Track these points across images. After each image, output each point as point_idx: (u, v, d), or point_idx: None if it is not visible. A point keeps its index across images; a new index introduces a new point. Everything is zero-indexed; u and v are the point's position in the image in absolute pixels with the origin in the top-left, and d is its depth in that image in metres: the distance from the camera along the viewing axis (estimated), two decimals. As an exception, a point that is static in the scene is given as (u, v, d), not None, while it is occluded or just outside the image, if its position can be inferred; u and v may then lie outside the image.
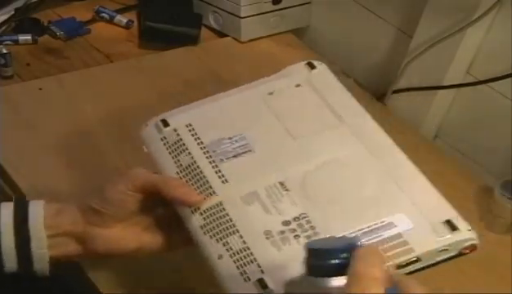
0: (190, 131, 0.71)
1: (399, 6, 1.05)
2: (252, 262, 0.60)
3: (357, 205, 0.63)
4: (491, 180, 0.94)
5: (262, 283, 0.58)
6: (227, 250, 0.61)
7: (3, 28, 1.08)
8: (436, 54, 0.96)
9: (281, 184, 0.65)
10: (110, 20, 1.16)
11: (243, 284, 0.59)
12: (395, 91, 1.04)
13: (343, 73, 1.10)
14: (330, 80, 0.75)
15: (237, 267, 0.60)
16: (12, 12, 1.09)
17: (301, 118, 0.71)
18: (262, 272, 0.59)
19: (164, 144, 0.71)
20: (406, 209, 0.62)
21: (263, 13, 1.13)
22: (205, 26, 1.16)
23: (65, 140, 0.88)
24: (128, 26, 1.16)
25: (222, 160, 0.68)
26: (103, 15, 1.16)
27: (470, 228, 0.61)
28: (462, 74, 0.98)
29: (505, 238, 0.87)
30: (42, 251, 0.64)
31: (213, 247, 0.62)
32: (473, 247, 0.62)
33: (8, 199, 0.81)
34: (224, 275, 0.61)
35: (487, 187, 0.92)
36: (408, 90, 1.02)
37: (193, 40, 1.12)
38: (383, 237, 0.60)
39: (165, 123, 0.72)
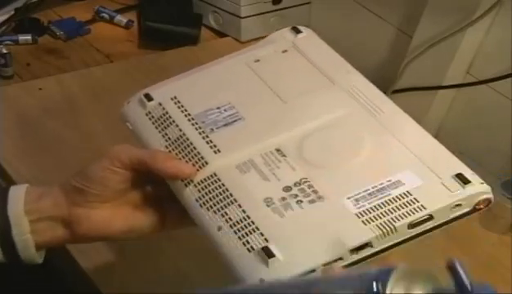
0: (175, 103, 0.67)
1: (399, 6, 1.05)
2: (254, 231, 0.56)
3: (359, 165, 0.59)
4: (491, 180, 0.94)
5: (267, 252, 0.54)
6: (226, 221, 0.58)
7: (3, 28, 1.08)
8: (436, 54, 0.96)
9: (278, 150, 0.62)
10: (110, 20, 1.16)
11: (247, 255, 0.55)
12: (395, 91, 1.04)
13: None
14: (316, 43, 0.72)
15: (239, 238, 0.56)
16: (12, 12, 1.09)
17: (291, 83, 0.68)
18: (266, 240, 0.55)
19: (150, 119, 0.67)
20: (412, 165, 0.59)
21: (263, 13, 1.14)
22: (205, 26, 1.16)
23: (65, 140, 0.88)
24: (127, 26, 1.16)
25: (212, 130, 0.64)
26: (103, 15, 1.16)
27: (483, 181, 0.58)
28: (462, 74, 0.98)
29: (505, 238, 0.87)
30: (24, 237, 0.60)
31: (211, 220, 0.59)
32: (487, 202, 0.58)
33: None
34: (225, 247, 0.57)
35: (487, 187, 0.92)
36: (408, 90, 1.02)
37: (193, 40, 1.12)
38: (391, 196, 0.56)
39: (149, 98, 0.68)
